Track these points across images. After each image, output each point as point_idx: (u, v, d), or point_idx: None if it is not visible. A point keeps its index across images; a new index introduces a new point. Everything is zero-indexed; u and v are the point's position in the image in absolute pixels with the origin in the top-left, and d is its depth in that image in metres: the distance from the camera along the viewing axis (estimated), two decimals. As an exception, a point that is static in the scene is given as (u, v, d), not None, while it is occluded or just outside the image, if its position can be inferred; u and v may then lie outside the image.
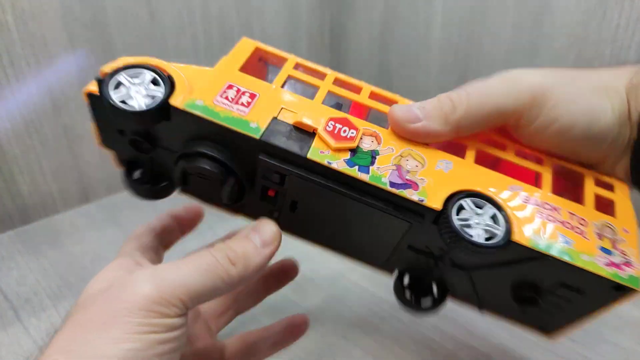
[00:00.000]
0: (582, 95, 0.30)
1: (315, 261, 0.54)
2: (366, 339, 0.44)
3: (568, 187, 0.32)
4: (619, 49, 0.56)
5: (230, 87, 0.30)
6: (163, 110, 0.28)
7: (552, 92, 0.29)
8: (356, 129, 0.30)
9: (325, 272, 0.52)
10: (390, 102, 0.33)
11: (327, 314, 0.47)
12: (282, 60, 0.34)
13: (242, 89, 0.30)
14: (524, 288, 0.31)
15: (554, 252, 0.27)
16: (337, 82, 0.34)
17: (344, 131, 0.29)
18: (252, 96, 0.30)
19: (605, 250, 0.28)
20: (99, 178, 0.64)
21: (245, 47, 0.34)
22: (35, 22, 0.53)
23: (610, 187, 0.32)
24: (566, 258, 0.27)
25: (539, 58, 0.63)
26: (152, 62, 0.29)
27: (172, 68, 0.30)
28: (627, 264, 0.28)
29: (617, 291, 0.28)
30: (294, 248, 0.58)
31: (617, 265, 0.28)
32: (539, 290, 0.30)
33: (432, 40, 0.73)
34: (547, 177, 0.31)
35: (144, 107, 0.27)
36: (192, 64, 0.71)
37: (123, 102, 0.27)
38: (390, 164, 0.29)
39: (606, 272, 0.27)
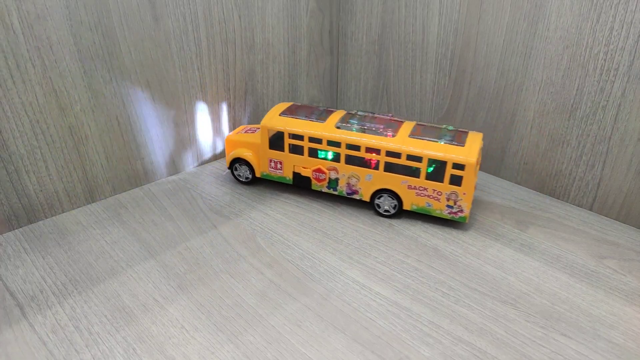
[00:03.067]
0: None
1: (315, 258, 0.55)
2: (364, 333, 0.45)
3: (439, 173, 0.58)
4: (613, 51, 0.57)
5: (270, 160, 0.65)
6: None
7: None
8: (325, 172, 0.63)
9: (324, 269, 0.53)
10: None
11: (325, 309, 0.48)
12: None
13: (275, 160, 0.65)
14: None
15: (421, 210, 0.61)
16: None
17: (321, 175, 0.63)
18: (280, 163, 0.65)
19: (448, 206, 0.59)
20: (104, 178, 0.65)
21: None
22: (41, 25, 0.54)
23: (462, 168, 0.56)
24: (427, 210, 0.61)
25: (533, 60, 0.64)
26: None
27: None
28: (460, 211, 0.59)
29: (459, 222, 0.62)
30: (295, 247, 0.59)
31: (454, 213, 0.59)
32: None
33: (428, 44, 0.74)
34: (423, 172, 0.58)
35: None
36: (195, 67, 0.72)
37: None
38: (344, 184, 0.63)
39: (447, 216, 0.60)
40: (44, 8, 0.53)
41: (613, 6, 0.55)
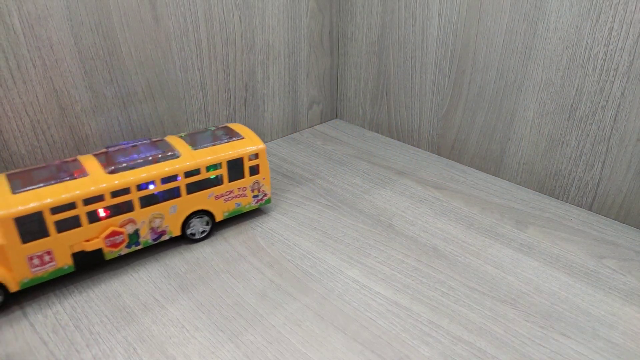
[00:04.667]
0: None
1: (315, 258, 0.55)
2: (364, 333, 0.45)
3: (236, 171, 0.57)
4: (612, 51, 0.57)
5: (30, 258, 0.47)
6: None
7: None
8: (122, 232, 0.51)
9: (324, 268, 0.53)
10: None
11: (325, 308, 0.48)
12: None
13: (39, 254, 0.47)
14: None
15: (233, 213, 0.59)
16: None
17: (118, 237, 0.51)
18: (50, 252, 0.48)
19: (255, 196, 0.60)
20: (103, 178, 0.65)
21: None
22: (41, 26, 0.54)
23: (257, 156, 0.58)
24: (238, 210, 0.60)
25: (532, 61, 0.64)
26: None
27: None
28: (265, 195, 0.61)
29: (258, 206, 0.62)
30: (295, 247, 0.59)
31: (260, 199, 0.61)
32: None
33: (428, 44, 0.74)
34: (225, 177, 0.57)
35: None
36: (195, 67, 0.72)
37: None
38: (147, 231, 0.53)
39: (255, 206, 0.61)
40: (44, 8, 0.53)
41: (613, 6, 0.55)
